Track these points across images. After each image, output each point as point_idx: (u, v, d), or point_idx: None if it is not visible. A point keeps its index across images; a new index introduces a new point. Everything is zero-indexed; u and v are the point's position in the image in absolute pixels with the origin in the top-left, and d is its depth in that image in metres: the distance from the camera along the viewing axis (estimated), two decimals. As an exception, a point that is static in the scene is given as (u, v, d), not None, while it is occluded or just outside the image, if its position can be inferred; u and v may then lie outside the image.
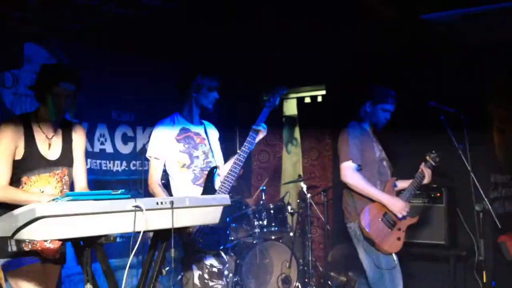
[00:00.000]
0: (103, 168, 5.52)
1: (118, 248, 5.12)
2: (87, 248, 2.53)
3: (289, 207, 5.86)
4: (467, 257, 5.05)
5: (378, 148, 4.19)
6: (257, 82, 6.27)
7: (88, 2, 3.75)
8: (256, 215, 5.58)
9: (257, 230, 5.48)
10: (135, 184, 5.75)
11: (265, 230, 5.58)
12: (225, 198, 2.98)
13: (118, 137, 5.71)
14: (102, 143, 5.55)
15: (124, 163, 5.71)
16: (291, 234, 5.72)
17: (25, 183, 3.10)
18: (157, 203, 2.58)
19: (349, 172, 3.99)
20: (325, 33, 5.17)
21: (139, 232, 2.47)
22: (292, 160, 7.97)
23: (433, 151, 4.20)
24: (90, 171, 5.22)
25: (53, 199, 2.46)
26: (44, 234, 2.27)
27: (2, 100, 4.67)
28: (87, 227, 2.35)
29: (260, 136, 3.78)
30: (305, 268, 5.68)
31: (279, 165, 7.22)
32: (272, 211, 5.70)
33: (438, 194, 5.22)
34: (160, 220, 2.60)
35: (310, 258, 5.64)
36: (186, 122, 3.86)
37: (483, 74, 5.05)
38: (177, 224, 2.66)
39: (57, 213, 2.24)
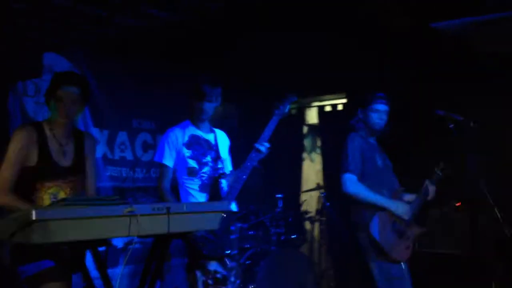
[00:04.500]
0: (123, 175, 5.62)
1: (138, 254, 5.26)
2: (83, 252, 2.61)
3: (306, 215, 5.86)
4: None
5: (381, 157, 4.19)
6: (276, 91, 6.28)
7: (99, 12, 3.86)
8: (273, 223, 5.60)
9: (274, 238, 5.51)
10: (155, 191, 5.82)
11: (282, 238, 5.59)
12: (225, 204, 3.01)
13: (138, 144, 5.82)
14: (122, 151, 5.66)
15: (144, 171, 5.81)
16: (309, 241, 5.71)
17: (39, 190, 3.10)
18: (153, 209, 2.64)
19: (349, 182, 4.01)
20: (343, 43, 5.18)
21: (134, 237, 2.53)
22: (315, 169, 7.95)
23: (441, 163, 4.18)
24: (110, 178, 5.35)
25: (51, 203, 2.54)
26: (39, 237, 2.33)
27: (25, 109, 4.82)
28: (81, 232, 2.41)
29: (261, 156, 3.78)
30: (323, 276, 5.66)
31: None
32: (290, 219, 5.71)
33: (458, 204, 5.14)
34: (156, 226, 2.65)
35: (327, 266, 5.63)
36: (196, 129, 3.93)
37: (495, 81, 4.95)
38: (174, 230, 2.72)
39: (52, 217, 2.33)
